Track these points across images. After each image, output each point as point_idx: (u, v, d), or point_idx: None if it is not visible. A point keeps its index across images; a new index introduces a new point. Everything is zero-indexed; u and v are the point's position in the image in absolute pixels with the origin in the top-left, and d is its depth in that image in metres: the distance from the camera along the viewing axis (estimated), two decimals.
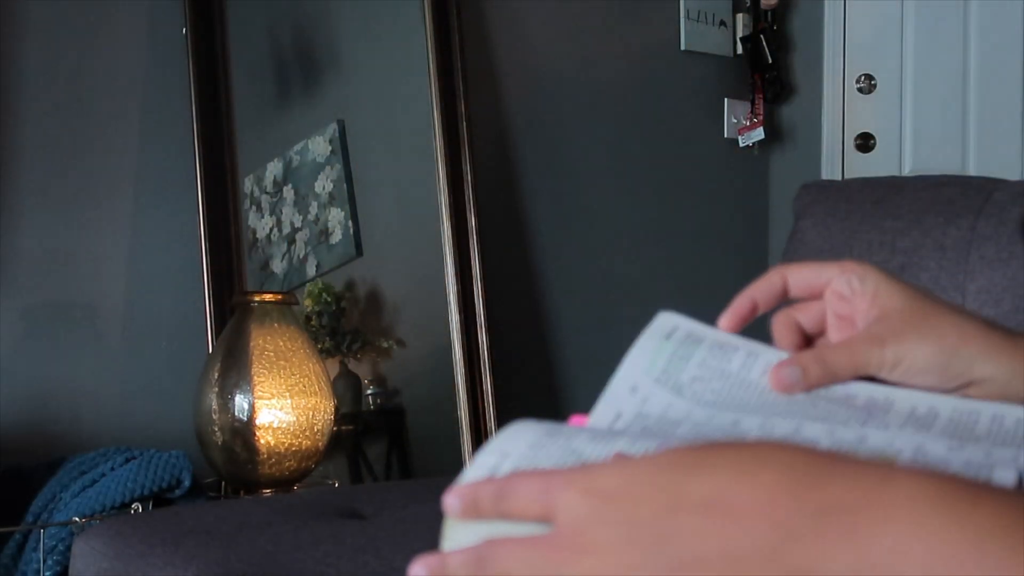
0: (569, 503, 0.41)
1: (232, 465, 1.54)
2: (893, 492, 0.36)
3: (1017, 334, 0.53)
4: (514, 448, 0.45)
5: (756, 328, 0.58)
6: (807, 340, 0.58)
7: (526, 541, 0.41)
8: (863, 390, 0.52)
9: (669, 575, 0.38)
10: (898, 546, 0.35)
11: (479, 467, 0.44)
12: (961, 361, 0.52)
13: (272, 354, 1.55)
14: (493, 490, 0.43)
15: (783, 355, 0.54)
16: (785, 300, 0.58)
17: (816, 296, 0.57)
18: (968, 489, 0.36)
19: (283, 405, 1.54)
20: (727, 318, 0.57)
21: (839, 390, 0.52)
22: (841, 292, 0.56)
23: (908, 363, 0.52)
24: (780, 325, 0.57)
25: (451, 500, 0.44)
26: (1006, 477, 0.40)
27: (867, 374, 0.53)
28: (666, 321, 0.56)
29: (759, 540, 0.37)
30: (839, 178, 2.40)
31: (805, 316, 0.57)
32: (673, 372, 0.53)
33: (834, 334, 0.56)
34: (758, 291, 0.58)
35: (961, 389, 0.52)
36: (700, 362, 0.53)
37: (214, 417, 1.54)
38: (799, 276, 0.57)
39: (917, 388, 0.52)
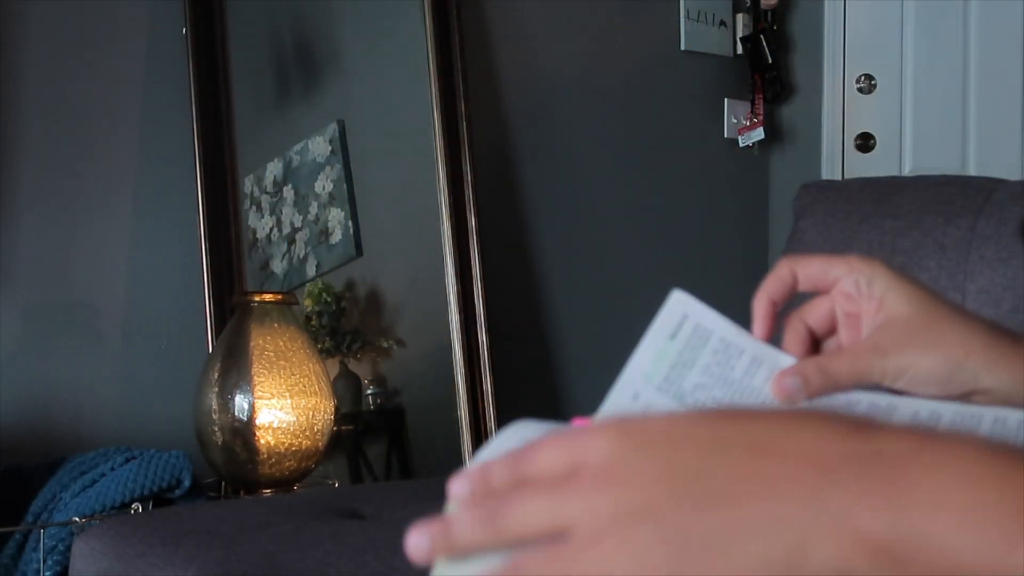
0: (600, 446, 0.38)
1: (232, 465, 1.54)
2: (938, 444, 0.36)
3: (1022, 339, 0.53)
4: (516, 446, 0.45)
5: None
6: (816, 343, 0.58)
7: (545, 483, 0.39)
8: (865, 397, 0.52)
9: (700, 511, 0.37)
10: (939, 495, 0.34)
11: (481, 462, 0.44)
12: (965, 374, 0.52)
13: (272, 354, 1.55)
14: (509, 461, 0.40)
15: (786, 360, 0.55)
16: (796, 292, 0.58)
17: (824, 291, 0.57)
18: (1013, 450, 0.36)
19: (283, 405, 1.54)
20: (759, 329, 0.57)
21: (840, 397, 0.53)
22: (848, 292, 0.56)
23: (911, 374, 0.52)
24: (790, 333, 0.57)
25: (458, 485, 0.41)
26: None
27: (869, 383, 0.53)
28: (677, 307, 0.55)
29: (801, 482, 0.36)
30: (839, 178, 2.40)
31: (814, 317, 0.57)
32: (675, 379, 0.53)
33: (844, 332, 0.57)
34: (772, 289, 0.58)
35: (964, 398, 0.52)
36: (703, 368, 0.53)
37: (214, 417, 1.53)
38: (807, 271, 0.57)
39: (919, 396, 0.52)
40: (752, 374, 0.54)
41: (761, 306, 0.58)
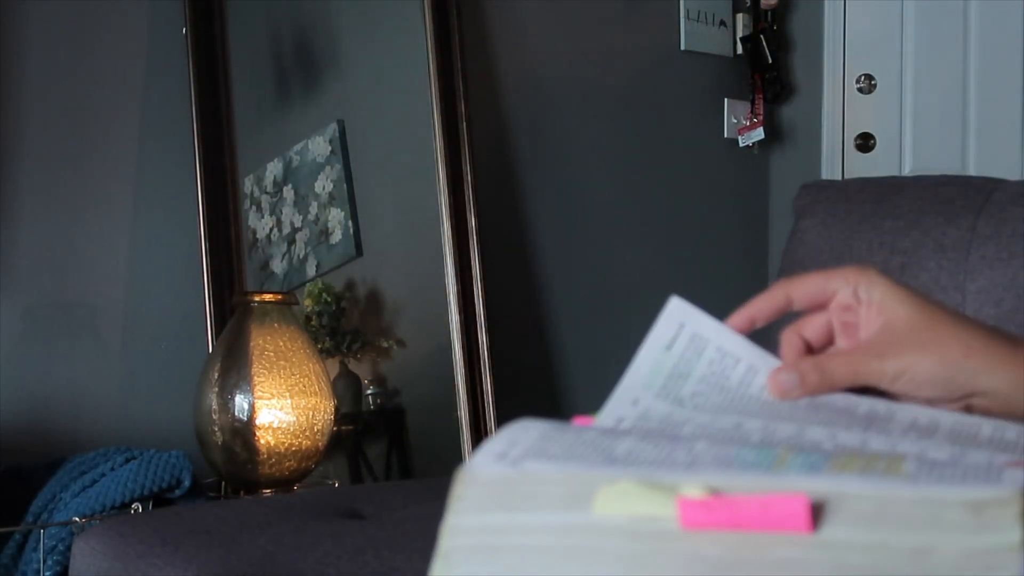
0: None
1: (232, 465, 1.54)
2: None
3: (1021, 341, 0.53)
4: (524, 438, 0.44)
5: (759, 338, 0.59)
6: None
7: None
8: (865, 401, 0.52)
9: None
10: None
11: (487, 454, 0.43)
12: (964, 374, 0.52)
13: (272, 354, 1.55)
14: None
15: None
16: (788, 313, 0.58)
17: (821, 307, 0.57)
18: None
19: (283, 405, 1.54)
20: None
21: (840, 400, 0.53)
22: (846, 304, 0.56)
23: (909, 376, 0.52)
24: (787, 346, 0.57)
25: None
26: (1015, 478, 0.40)
27: (867, 385, 0.53)
28: (674, 315, 0.56)
29: None
30: (839, 178, 2.40)
31: (811, 330, 0.57)
32: (673, 388, 0.53)
33: (841, 342, 0.57)
34: (757, 308, 0.58)
35: (964, 400, 0.52)
36: (699, 378, 0.54)
37: (214, 417, 1.53)
38: (803, 290, 0.57)
39: (919, 400, 0.52)
40: (748, 382, 0.54)
41: (737, 319, 0.58)
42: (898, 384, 0.52)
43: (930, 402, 0.53)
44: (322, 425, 1.58)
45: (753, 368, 0.55)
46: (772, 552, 0.37)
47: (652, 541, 0.38)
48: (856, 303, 0.55)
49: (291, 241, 1.89)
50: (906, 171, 2.44)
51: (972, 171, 2.40)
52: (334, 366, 1.85)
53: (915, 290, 0.55)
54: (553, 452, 0.43)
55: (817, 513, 0.37)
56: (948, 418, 0.51)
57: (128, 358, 1.78)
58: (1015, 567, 0.34)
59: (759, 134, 2.41)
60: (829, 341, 0.57)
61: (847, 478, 0.40)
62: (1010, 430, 0.49)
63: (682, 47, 2.39)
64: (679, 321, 0.56)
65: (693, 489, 0.39)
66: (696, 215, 2.42)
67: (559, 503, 0.40)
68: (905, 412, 0.51)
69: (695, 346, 0.55)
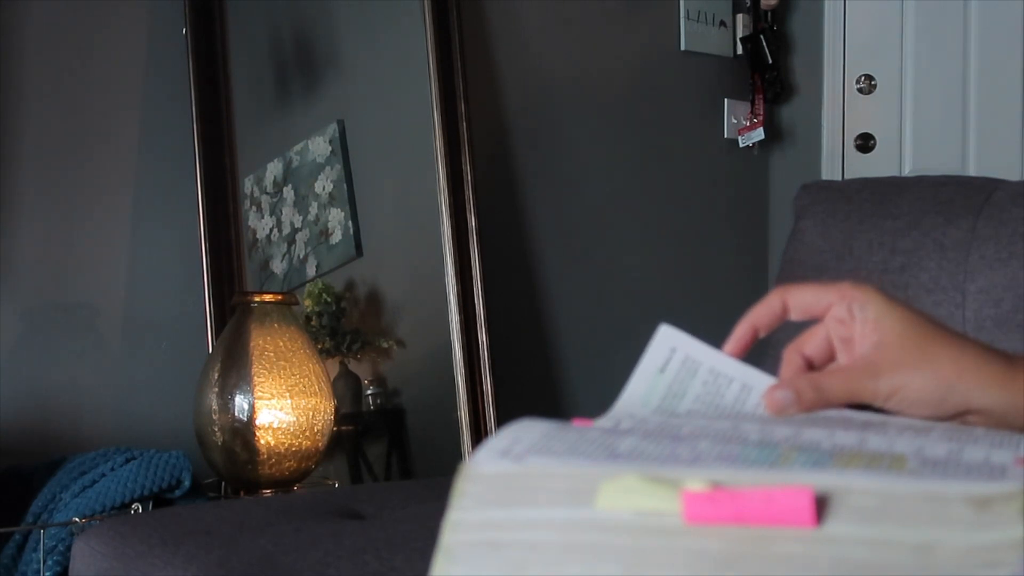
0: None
1: (232, 465, 1.54)
2: None
3: (1016, 359, 0.53)
4: (527, 435, 0.44)
5: (756, 352, 0.59)
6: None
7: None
8: (859, 415, 0.53)
9: None
10: None
11: (490, 450, 0.43)
12: (957, 394, 0.52)
13: (272, 354, 1.55)
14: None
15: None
16: (785, 321, 0.59)
17: (817, 318, 0.58)
18: None
19: (283, 405, 1.54)
20: (730, 347, 0.58)
21: (835, 415, 0.53)
22: (841, 318, 0.56)
23: (903, 395, 0.53)
24: (787, 366, 0.58)
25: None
26: (1019, 474, 0.40)
27: (861, 402, 0.54)
28: (664, 342, 0.57)
29: None
30: (839, 178, 2.40)
31: (811, 346, 0.58)
32: (668, 407, 0.54)
33: (842, 358, 0.57)
34: (758, 316, 0.58)
35: (957, 418, 0.53)
36: (695, 398, 0.55)
37: (214, 417, 1.53)
38: (799, 299, 0.58)
39: (912, 417, 0.53)
40: (743, 400, 0.55)
41: (741, 329, 0.58)
42: (891, 402, 0.53)
43: (923, 420, 0.53)
44: (322, 425, 1.58)
45: (747, 387, 0.55)
46: (775, 547, 0.37)
47: (655, 536, 0.38)
48: (850, 318, 0.55)
49: (291, 241, 1.89)
50: (906, 171, 2.44)
51: (972, 171, 2.41)
52: (334, 366, 1.85)
53: (911, 307, 0.55)
54: (556, 448, 0.43)
55: (820, 508, 0.37)
56: (942, 424, 0.52)
57: (128, 358, 1.78)
58: (1018, 563, 0.35)
59: (759, 134, 2.41)
60: (830, 356, 0.58)
61: (851, 474, 0.40)
62: (1005, 437, 0.49)
63: (682, 47, 2.39)
64: (670, 346, 0.57)
65: (697, 483, 0.39)
66: (696, 215, 2.42)
67: (562, 498, 0.40)
68: (899, 421, 0.52)
69: (688, 368, 0.56)
